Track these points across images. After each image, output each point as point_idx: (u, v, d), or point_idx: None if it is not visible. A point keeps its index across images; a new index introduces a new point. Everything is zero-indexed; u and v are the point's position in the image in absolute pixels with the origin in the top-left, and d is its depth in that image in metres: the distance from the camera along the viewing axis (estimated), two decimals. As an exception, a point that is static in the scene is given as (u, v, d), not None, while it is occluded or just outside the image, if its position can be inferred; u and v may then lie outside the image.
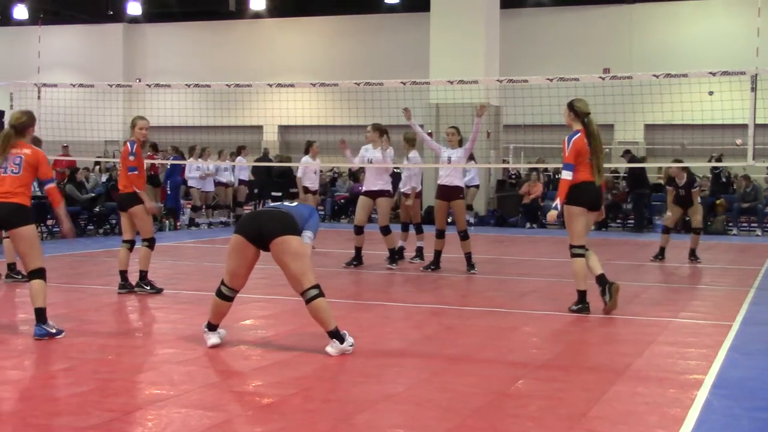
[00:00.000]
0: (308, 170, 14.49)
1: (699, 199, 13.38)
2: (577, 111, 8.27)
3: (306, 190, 14.49)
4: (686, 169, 13.02)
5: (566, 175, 8.18)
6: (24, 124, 7.13)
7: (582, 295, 8.44)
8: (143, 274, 9.29)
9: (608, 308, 8.29)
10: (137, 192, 9.09)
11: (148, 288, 9.27)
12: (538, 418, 4.95)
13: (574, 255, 8.33)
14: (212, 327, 6.72)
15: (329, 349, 6.38)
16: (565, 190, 8.20)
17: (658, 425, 4.87)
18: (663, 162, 19.54)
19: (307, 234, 6.52)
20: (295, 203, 6.71)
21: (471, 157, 19.69)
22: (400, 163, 12.79)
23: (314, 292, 6.34)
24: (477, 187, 20.65)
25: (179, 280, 10.23)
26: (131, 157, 9.16)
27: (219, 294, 6.68)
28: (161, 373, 5.94)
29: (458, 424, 4.79)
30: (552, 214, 8.44)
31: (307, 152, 14.49)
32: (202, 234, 17.86)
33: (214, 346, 6.60)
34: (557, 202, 8.26)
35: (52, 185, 7.14)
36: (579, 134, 8.23)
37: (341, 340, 6.39)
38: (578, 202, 8.24)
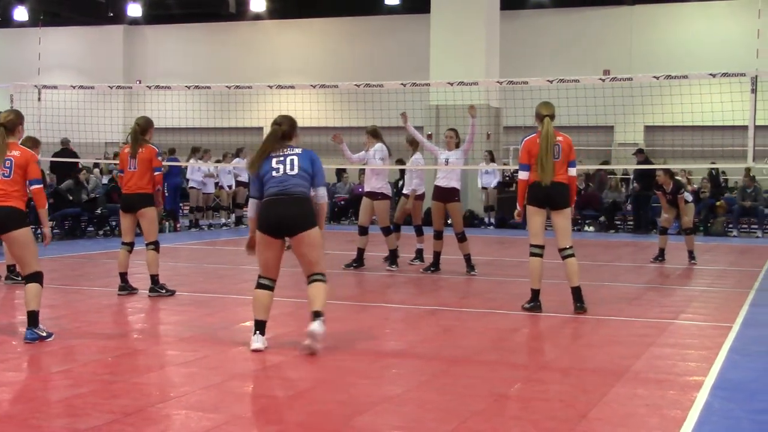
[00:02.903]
0: None
1: (690, 200, 13.48)
2: (536, 113, 8.51)
3: None
4: (672, 176, 13.21)
5: (521, 176, 8.56)
6: (13, 122, 7.10)
7: (534, 293, 8.56)
8: (156, 278, 9.27)
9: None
10: (157, 191, 9.21)
11: (163, 291, 9.28)
12: (538, 420, 4.95)
13: (530, 254, 8.53)
14: (260, 326, 6.65)
15: (312, 327, 6.37)
16: (521, 190, 8.59)
17: (658, 427, 4.87)
18: (673, 164, 19.45)
19: (321, 193, 6.74)
20: (296, 170, 6.56)
21: (491, 159, 19.83)
22: (402, 165, 12.73)
23: (321, 277, 6.59)
24: (497, 188, 20.93)
25: (179, 281, 10.22)
26: (159, 158, 9.32)
27: (260, 286, 6.68)
28: (161, 375, 5.94)
29: (458, 426, 4.79)
30: (516, 214, 8.94)
31: None
32: (202, 236, 17.86)
33: (257, 351, 6.53)
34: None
35: (38, 186, 7.08)
36: (532, 136, 8.49)
37: (320, 320, 6.41)
38: (529, 202, 8.48)
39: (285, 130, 6.75)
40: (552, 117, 8.38)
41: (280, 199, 6.55)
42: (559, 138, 8.44)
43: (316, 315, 6.46)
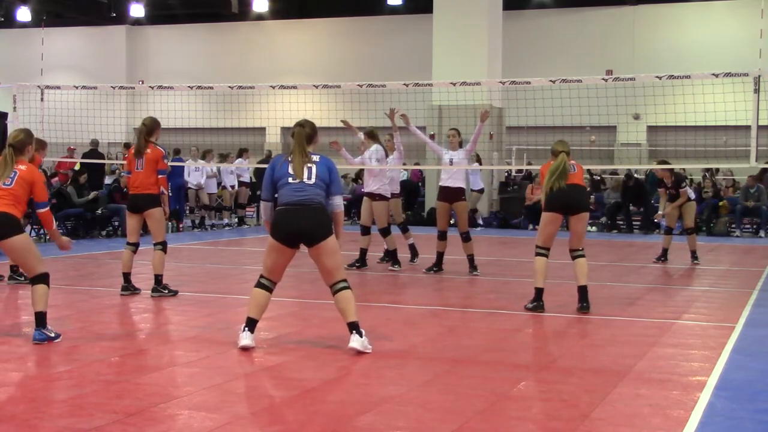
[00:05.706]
0: None
1: (693, 197, 13.43)
2: (552, 150, 8.80)
3: None
4: (671, 170, 13.23)
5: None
6: (22, 142, 7.02)
7: (538, 292, 8.62)
8: (160, 278, 9.25)
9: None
10: (161, 194, 9.14)
11: (166, 291, 9.27)
12: (541, 421, 4.95)
13: (536, 254, 8.68)
14: (252, 324, 6.65)
15: (353, 344, 6.47)
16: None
17: (661, 427, 4.87)
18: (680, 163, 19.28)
19: (336, 202, 6.69)
20: (313, 180, 6.56)
21: (478, 160, 19.63)
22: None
23: (344, 284, 6.57)
24: (481, 191, 20.29)
25: (182, 282, 10.23)
26: (166, 160, 9.29)
27: (260, 285, 6.68)
28: (164, 375, 5.95)
29: (461, 426, 4.79)
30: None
31: None
32: (204, 236, 17.87)
33: (245, 348, 6.56)
34: None
35: (45, 210, 7.01)
36: (547, 162, 8.87)
37: (360, 333, 6.50)
38: (547, 208, 8.67)
39: (308, 132, 6.75)
40: (567, 153, 8.61)
41: (297, 209, 6.50)
42: (573, 162, 8.69)
43: (352, 327, 6.52)
